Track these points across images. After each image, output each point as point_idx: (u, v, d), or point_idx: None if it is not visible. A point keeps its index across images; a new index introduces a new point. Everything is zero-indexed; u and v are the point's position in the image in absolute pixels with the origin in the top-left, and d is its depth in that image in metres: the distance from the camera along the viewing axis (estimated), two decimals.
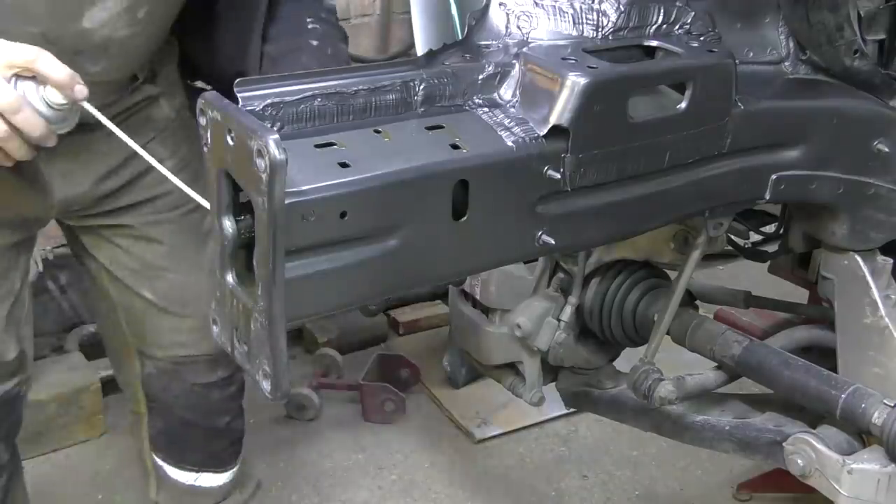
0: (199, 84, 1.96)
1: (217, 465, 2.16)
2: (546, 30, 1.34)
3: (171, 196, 1.86)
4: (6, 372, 1.81)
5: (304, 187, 1.05)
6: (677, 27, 1.41)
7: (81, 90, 1.42)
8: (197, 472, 2.14)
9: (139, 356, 2.03)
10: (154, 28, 1.68)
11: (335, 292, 1.14)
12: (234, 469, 2.19)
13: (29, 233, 1.82)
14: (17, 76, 1.40)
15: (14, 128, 1.40)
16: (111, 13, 1.56)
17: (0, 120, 1.39)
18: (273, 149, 0.97)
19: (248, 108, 1.12)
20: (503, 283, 1.88)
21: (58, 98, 1.41)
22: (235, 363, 2.03)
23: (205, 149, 1.13)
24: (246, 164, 1.02)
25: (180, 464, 2.13)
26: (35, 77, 1.40)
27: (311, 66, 1.71)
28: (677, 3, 1.41)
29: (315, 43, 1.77)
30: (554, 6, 1.35)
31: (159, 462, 2.15)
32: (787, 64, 1.56)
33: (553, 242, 1.27)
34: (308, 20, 1.79)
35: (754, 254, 1.97)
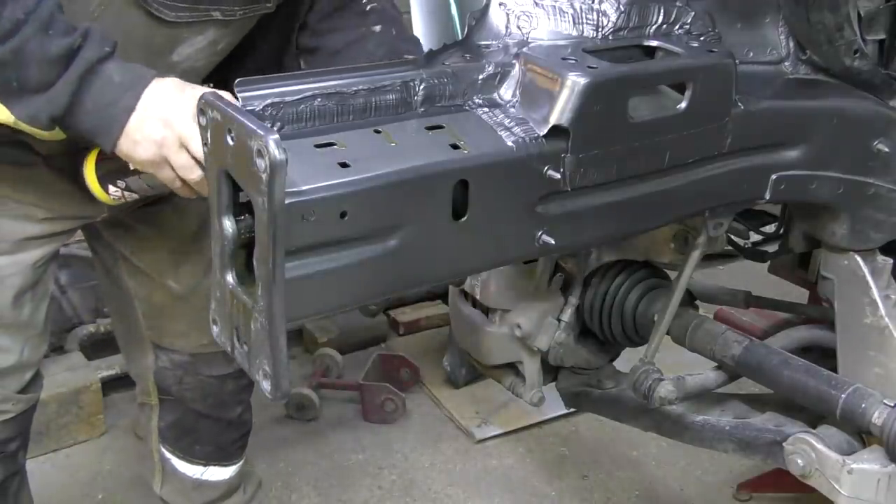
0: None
1: (224, 459, 2.16)
2: (546, 30, 1.35)
3: None
4: (37, 375, 1.82)
5: (304, 187, 1.05)
6: (677, 27, 1.41)
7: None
8: (204, 465, 2.14)
9: (154, 349, 2.04)
10: (225, 55, 1.72)
11: (335, 292, 1.14)
12: (240, 464, 2.20)
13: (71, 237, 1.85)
14: None
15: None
16: (197, 48, 1.62)
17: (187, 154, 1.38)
18: (273, 149, 0.97)
19: (249, 108, 1.12)
20: (503, 283, 1.88)
21: None
22: None
23: (205, 149, 1.13)
24: (246, 164, 1.02)
25: (188, 457, 2.14)
26: None
27: (377, 54, 1.68)
28: (677, 3, 1.41)
29: (378, 28, 1.72)
30: (554, 6, 1.35)
31: (167, 455, 2.15)
32: (787, 64, 1.56)
33: (553, 242, 1.27)
34: (363, 1, 1.75)
35: (754, 254, 1.98)
